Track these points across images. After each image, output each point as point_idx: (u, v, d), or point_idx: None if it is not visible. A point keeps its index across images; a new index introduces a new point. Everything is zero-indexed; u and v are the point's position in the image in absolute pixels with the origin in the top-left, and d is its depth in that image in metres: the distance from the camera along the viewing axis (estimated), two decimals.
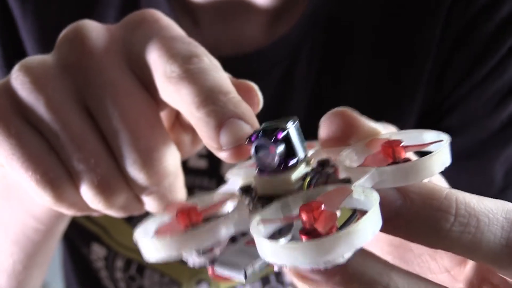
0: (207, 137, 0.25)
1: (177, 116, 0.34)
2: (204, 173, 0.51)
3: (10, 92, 0.29)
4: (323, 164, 0.22)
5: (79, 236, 0.55)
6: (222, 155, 0.25)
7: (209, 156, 0.50)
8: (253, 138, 0.22)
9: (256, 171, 0.22)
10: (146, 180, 0.29)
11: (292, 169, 0.22)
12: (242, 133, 0.24)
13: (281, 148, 0.22)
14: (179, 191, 0.31)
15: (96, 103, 0.28)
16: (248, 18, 0.48)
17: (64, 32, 0.30)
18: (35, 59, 0.29)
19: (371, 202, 0.19)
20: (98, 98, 0.28)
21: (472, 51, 0.46)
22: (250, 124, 0.24)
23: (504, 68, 0.46)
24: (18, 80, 0.28)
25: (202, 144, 0.36)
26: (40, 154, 0.28)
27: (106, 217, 0.53)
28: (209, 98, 0.25)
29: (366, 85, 0.48)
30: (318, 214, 0.18)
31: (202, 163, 0.51)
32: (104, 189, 0.28)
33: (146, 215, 0.51)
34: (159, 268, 0.55)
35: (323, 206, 0.19)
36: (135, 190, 0.30)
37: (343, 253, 0.17)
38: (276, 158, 0.22)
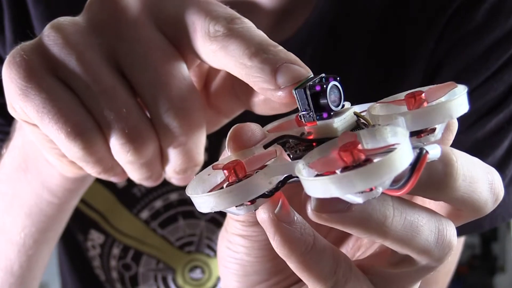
0: (262, 81, 0.27)
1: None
2: (204, 166, 0.52)
3: (41, 49, 0.30)
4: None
5: (77, 223, 0.55)
6: (280, 94, 0.26)
7: (209, 149, 0.52)
8: (330, 79, 0.25)
9: (311, 119, 0.25)
10: (178, 129, 0.30)
11: (336, 116, 0.24)
12: (299, 72, 0.26)
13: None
14: (202, 151, 0.33)
15: (128, 58, 0.30)
16: (252, 20, 0.50)
17: None
18: (66, 18, 0.31)
19: (401, 138, 0.22)
20: (131, 52, 0.29)
21: (457, 70, 0.49)
22: (303, 68, 0.27)
23: (487, 90, 0.48)
24: (50, 37, 0.29)
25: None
26: (71, 107, 0.29)
27: (106, 204, 0.55)
28: (260, 49, 0.27)
29: (362, 89, 0.50)
30: (356, 152, 0.21)
31: None
32: (134, 137, 0.30)
33: (147, 205, 0.54)
34: (156, 255, 0.57)
35: (359, 146, 0.21)
36: (164, 142, 0.31)
37: (388, 177, 0.20)
38: (342, 101, 0.25)
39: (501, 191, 0.27)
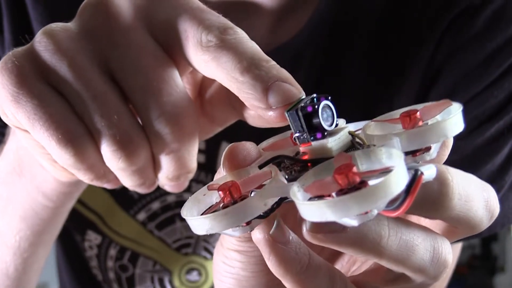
0: (253, 99, 0.26)
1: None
2: (201, 168, 0.52)
3: (33, 55, 0.29)
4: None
5: (75, 223, 0.55)
6: (271, 114, 0.26)
7: (206, 151, 0.52)
8: (322, 99, 0.25)
9: (306, 140, 0.24)
10: (170, 135, 0.30)
11: (331, 135, 0.24)
12: (290, 93, 0.26)
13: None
14: (195, 158, 0.32)
15: (119, 63, 0.29)
16: (252, 22, 0.49)
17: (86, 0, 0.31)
18: (58, 24, 0.30)
19: (396, 160, 0.21)
20: (122, 57, 0.29)
21: (457, 76, 0.48)
22: (295, 87, 0.26)
23: (487, 97, 0.48)
24: (41, 43, 0.29)
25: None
26: (62, 114, 0.29)
27: (103, 205, 0.55)
28: (252, 64, 0.27)
29: (362, 90, 0.49)
30: (351, 175, 0.20)
31: (199, 158, 0.52)
32: (125, 144, 0.29)
33: (144, 206, 0.54)
34: (153, 257, 0.57)
35: (354, 168, 0.21)
36: (155, 149, 0.31)
37: (384, 201, 0.19)
38: (335, 121, 0.24)
39: (496, 208, 0.27)
